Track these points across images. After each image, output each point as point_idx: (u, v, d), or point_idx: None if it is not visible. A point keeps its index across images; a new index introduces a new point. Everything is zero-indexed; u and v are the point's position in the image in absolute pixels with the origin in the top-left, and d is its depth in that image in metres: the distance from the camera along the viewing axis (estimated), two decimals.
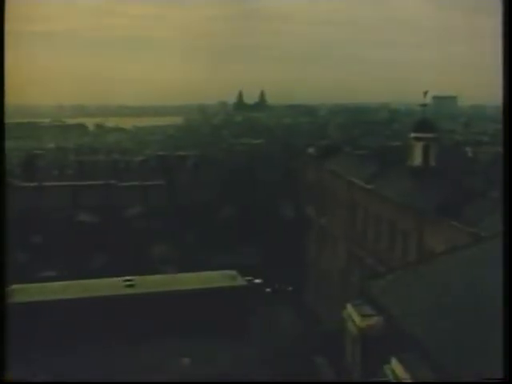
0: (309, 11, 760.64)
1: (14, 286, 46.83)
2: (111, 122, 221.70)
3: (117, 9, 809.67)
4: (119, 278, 50.16)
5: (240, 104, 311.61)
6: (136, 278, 50.21)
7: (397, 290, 23.85)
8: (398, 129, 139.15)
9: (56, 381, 32.19)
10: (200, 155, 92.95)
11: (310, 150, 66.67)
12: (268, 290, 60.04)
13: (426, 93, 48.08)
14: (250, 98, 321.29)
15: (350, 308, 23.57)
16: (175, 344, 43.47)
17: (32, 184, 71.90)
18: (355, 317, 22.77)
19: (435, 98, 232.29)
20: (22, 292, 46.20)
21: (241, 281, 51.38)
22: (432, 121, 51.07)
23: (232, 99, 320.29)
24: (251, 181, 77.58)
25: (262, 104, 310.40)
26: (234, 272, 52.47)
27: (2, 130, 14.83)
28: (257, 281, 59.19)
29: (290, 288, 60.60)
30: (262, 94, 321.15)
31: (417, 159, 46.32)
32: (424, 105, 48.19)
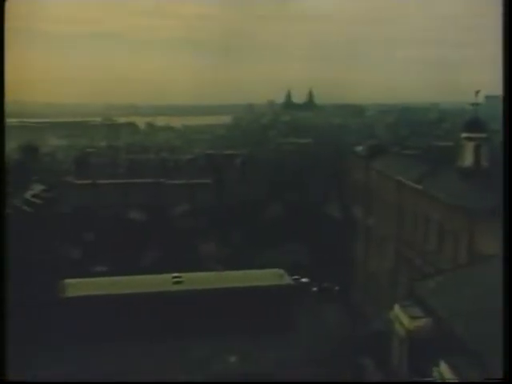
0: (351, 10, 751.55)
1: (67, 281, 48.40)
2: (161, 121, 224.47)
3: (165, 10, 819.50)
4: (168, 275, 51.22)
5: (288, 103, 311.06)
6: (184, 275, 51.16)
7: (446, 291, 23.57)
8: (448, 129, 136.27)
9: (56, 381, 33.09)
10: (248, 154, 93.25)
11: (358, 150, 66.15)
12: (314, 289, 59.90)
13: (477, 92, 47.00)
14: (298, 98, 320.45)
15: (397, 309, 23.40)
16: (222, 342, 43.97)
17: (85, 182, 73.78)
18: (403, 318, 22.60)
19: (487, 97, 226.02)
20: (75, 286, 47.66)
21: (287, 279, 51.65)
22: (484, 121, 49.78)
23: (280, 99, 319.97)
24: (298, 180, 77.54)
25: (309, 103, 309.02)
26: (281, 271, 52.74)
27: (2, 129, 15.24)
28: (304, 280, 59.16)
29: (337, 287, 60.25)
30: (310, 94, 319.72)
31: (468, 159, 45.37)
32: (475, 104, 47.04)
